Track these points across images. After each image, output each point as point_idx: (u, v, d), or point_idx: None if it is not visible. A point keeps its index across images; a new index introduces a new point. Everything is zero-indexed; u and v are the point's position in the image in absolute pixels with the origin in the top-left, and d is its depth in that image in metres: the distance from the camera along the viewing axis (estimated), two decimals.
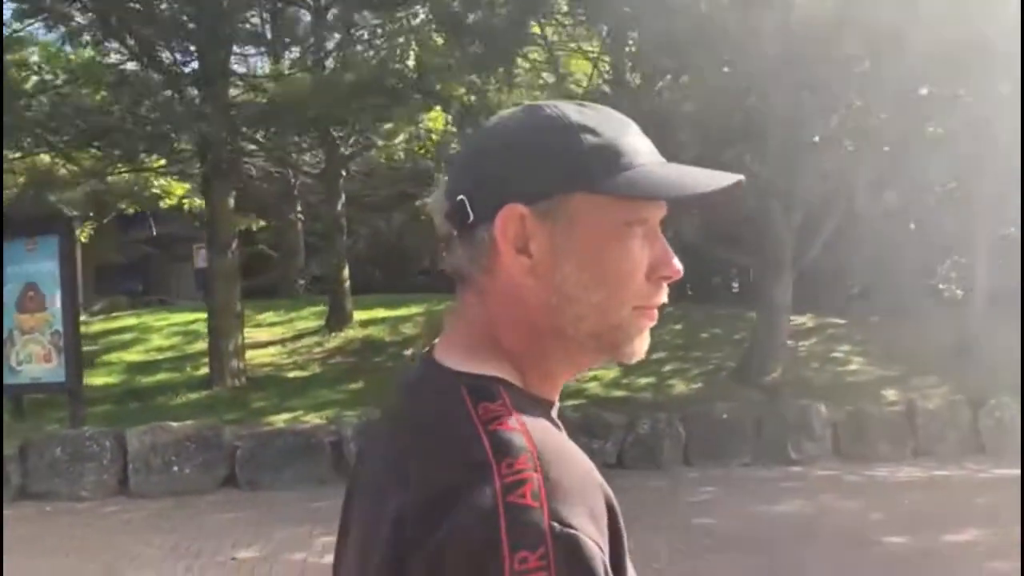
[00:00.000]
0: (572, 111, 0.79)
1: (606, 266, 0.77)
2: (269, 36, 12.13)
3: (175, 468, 7.49)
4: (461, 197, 0.78)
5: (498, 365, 0.78)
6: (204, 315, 10.10)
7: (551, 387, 0.82)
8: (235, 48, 11.01)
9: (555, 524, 0.64)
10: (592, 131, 0.77)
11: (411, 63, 8.10)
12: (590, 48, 11.43)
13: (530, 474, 0.66)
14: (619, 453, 8.27)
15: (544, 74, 10.91)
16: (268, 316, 13.78)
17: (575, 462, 0.70)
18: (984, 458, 8.55)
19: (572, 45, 11.30)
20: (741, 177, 0.79)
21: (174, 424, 7.73)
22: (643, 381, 10.30)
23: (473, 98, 10.58)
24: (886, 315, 13.08)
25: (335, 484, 7.55)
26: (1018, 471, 7.88)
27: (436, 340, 0.83)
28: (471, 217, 0.77)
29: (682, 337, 11.80)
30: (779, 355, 10.20)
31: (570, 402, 9.30)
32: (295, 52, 12.07)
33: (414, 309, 13.95)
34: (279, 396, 9.18)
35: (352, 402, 9.04)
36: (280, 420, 8.47)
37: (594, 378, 10.40)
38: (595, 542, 0.65)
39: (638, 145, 0.79)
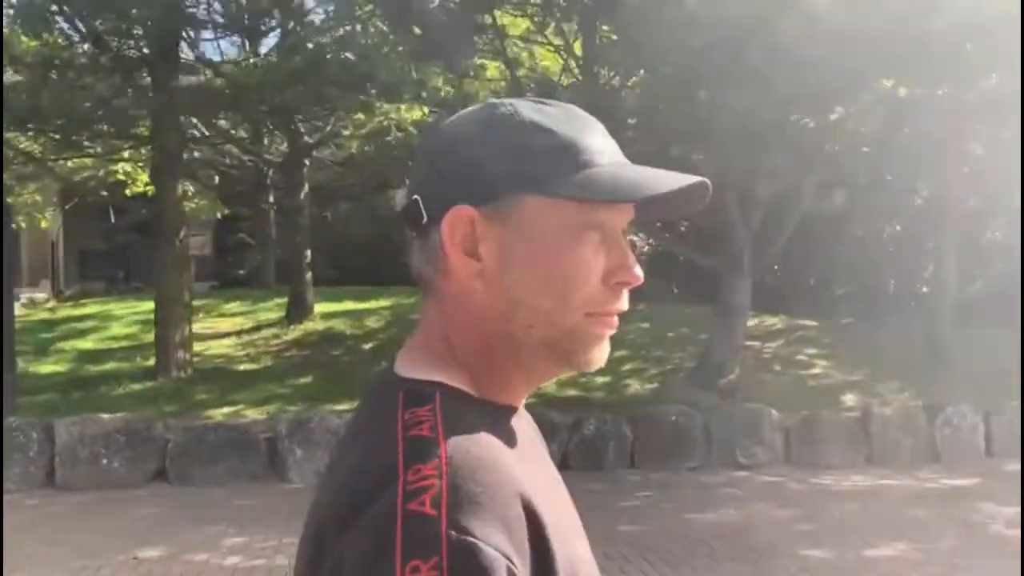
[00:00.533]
0: (528, 109, 0.78)
1: (556, 271, 0.75)
2: (243, 22, 12.05)
3: (104, 461, 7.39)
4: (415, 197, 0.77)
5: (447, 371, 0.77)
6: None
7: (511, 394, 0.80)
8: (205, 34, 10.94)
9: (452, 532, 0.62)
10: (546, 130, 0.76)
11: (353, 53, 7.94)
12: (560, 43, 11.25)
13: (433, 481, 0.65)
14: (564, 454, 8.14)
15: (503, 67, 10.73)
16: (233, 306, 13.70)
17: (492, 471, 0.68)
18: (939, 467, 8.40)
19: (539, 38, 11.10)
20: (703, 179, 0.76)
21: (105, 416, 7.63)
22: (600, 380, 10.16)
23: (451, 90, 10.47)
24: (862, 319, 12.92)
25: (268, 481, 7.48)
26: (970, 481, 7.76)
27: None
28: (425, 218, 0.77)
29: (648, 336, 11.66)
30: (737, 357, 10.04)
31: None
32: (272, 39, 11.96)
33: (383, 302, 13.86)
34: (223, 389, 9.06)
35: (296, 397, 8.93)
36: (220, 414, 8.36)
37: None
38: (499, 551, 0.63)
39: (597, 145, 0.77)
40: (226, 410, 8.51)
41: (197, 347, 10.11)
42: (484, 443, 0.71)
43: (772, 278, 16.29)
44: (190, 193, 11.49)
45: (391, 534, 0.62)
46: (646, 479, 7.83)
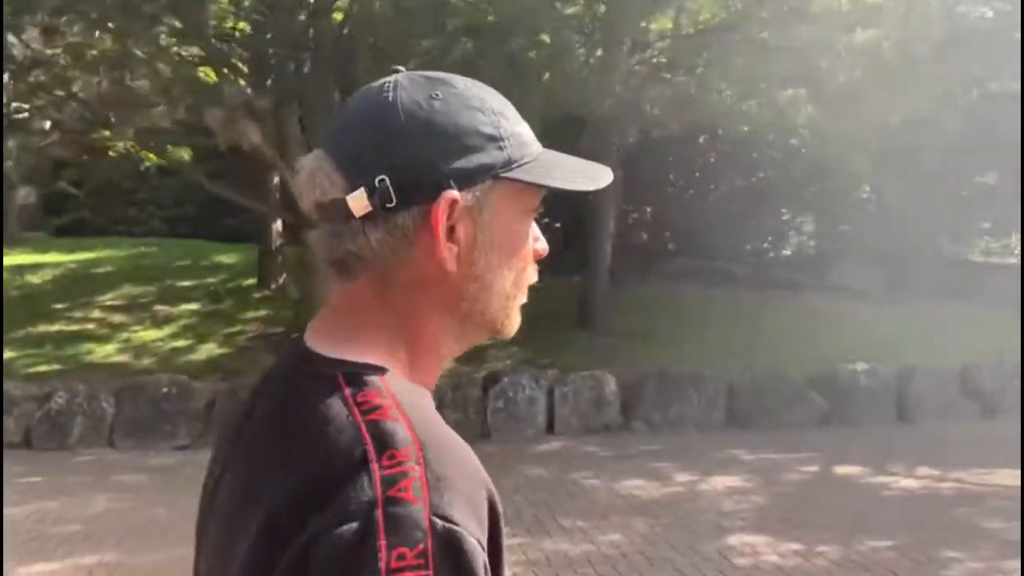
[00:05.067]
0: (482, 91, 0.81)
1: (516, 252, 0.82)
2: None
3: None
4: (383, 178, 0.76)
5: (380, 353, 0.77)
6: None
7: (433, 376, 0.83)
8: None
9: (436, 520, 0.64)
10: (499, 113, 0.80)
11: None
12: None
13: (412, 467, 0.66)
14: (26, 431, 7.48)
15: None
16: None
17: (459, 454, 0.71)
18: (482, 445, 7.70)
19: None
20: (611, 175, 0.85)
21: None
22: (180, 344, 9.50)
23: None
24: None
25: None
26: None
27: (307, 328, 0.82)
28: (394, 201, 0.76)
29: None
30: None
31: None
32: None
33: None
34: None
35: None
36: None
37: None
38: (476, 539, 0.66)
39: (529, 131, 0.83)
40: None
41: None
42: (445, 428, 0.73)
43: None
44: None
45: (373, 521, 0.63)
46: (126, 459, 7.19)
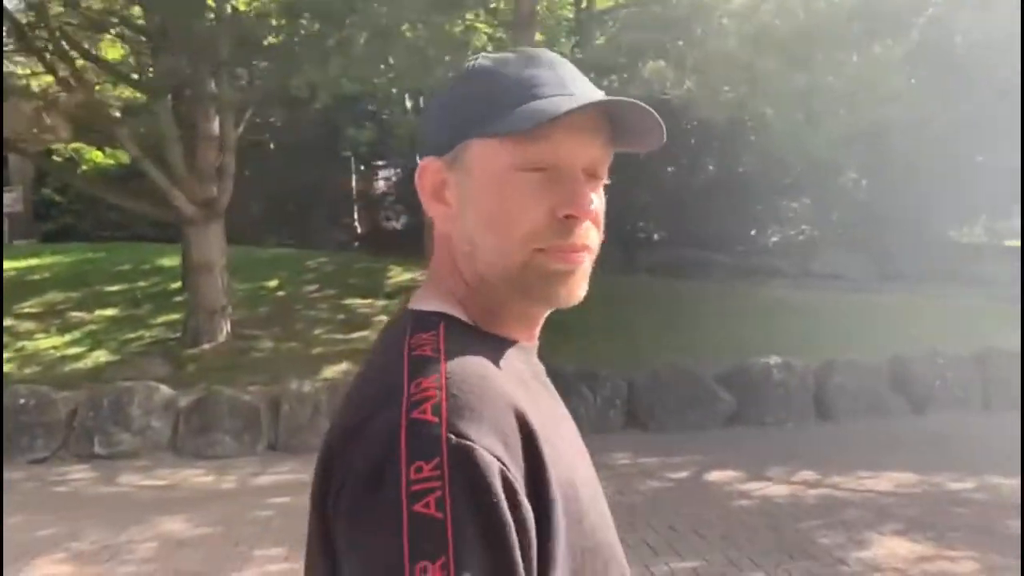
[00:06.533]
0: (486, 58, 0.87)
1: (496, 208, 0.82)
2: None
3: None
4: (421, 157, 0.88)
5: (451, 304, 0.86)
6: None
7: (509, 328, 0.87)
8: None
9: (451, 436, 0.70)
10: (491, 73, 0.84)
11: None
12: None
13: (434, 392, 0.73)
14: None
15: None
16: None
17: (488, 387, 0.76)
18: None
19: None
20: (622, 99, 0.79)
21: None
22: (72, 352, 9.22)
23: None
24: None
25: None
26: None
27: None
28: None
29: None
30: (216, 324, 8.93)
31: None
32: None
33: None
34: None
35: None
36: None
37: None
38: (494, 455, 0.71)
39: (535, 81, 0.82)
40: None
41: None
42: (480, 362, 0.79)
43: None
44: None
45: (396, 439, 0.70)
46: None
